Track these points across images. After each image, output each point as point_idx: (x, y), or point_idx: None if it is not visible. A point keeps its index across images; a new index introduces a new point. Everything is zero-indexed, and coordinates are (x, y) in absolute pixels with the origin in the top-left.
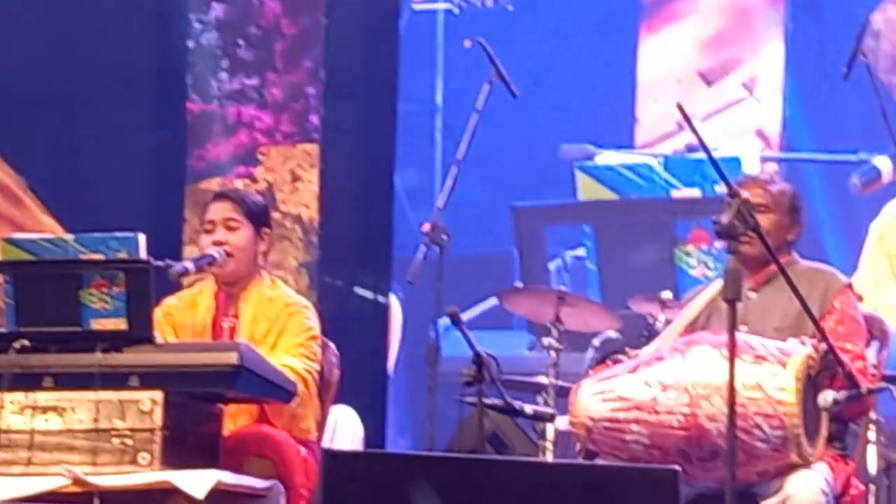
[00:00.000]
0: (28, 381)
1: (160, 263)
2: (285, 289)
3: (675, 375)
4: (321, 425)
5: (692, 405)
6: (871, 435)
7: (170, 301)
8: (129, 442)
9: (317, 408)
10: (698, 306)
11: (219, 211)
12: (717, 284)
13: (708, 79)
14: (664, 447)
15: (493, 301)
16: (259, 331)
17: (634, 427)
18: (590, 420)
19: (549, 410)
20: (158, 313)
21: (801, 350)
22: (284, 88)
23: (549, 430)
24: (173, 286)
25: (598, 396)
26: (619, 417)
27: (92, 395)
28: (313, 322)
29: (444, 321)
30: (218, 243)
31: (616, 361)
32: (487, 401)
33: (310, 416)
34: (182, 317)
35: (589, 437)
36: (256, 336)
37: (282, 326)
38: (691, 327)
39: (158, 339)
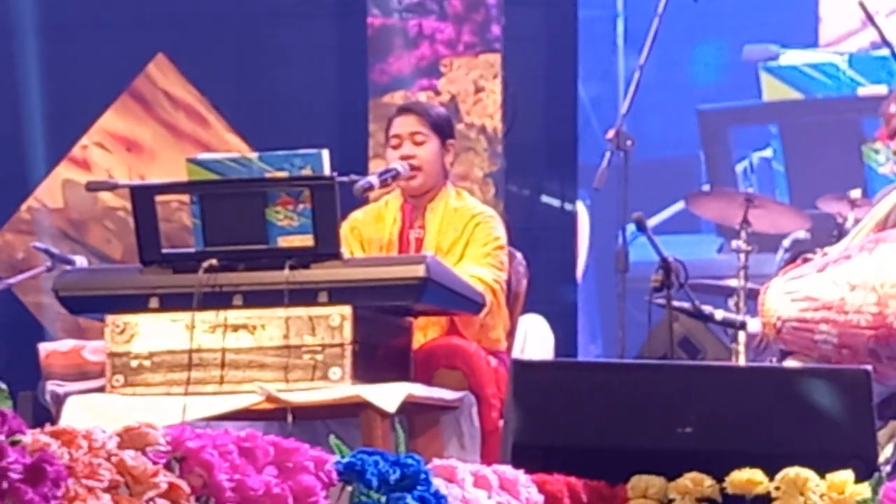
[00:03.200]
0: (218, 299)
1: (344, 179)
2: (471, 199)
3: (863, 274)
4: (510, 335)
5: (880, 304)
6: None
7: (356, 215)
8: (320, 357)
9: (506, 317)
10: (890, 204)
11: (404, 125)
12: None
13: None
14: (853, 346)
15: (680, 205)
16: (446, 242)
17: (823, 327)
18: (779, 320)
19: (739, 318)
20: (345, 228)
21: None
22: None
23: (741, 333)
24: (359, 202)
25: (787, 296)
26: (808, 317)
27: (281, 311)
28: (500, 232)
29: (632, 227)
30: (405, 157)
31: (806, 260)
32: (676, 304)
33: (499, 326)
34: (369, 230)
35: (779, 337)
36: (443, 247)
37: (468, 237)
38: (883, 225)
39: (345, 254)
